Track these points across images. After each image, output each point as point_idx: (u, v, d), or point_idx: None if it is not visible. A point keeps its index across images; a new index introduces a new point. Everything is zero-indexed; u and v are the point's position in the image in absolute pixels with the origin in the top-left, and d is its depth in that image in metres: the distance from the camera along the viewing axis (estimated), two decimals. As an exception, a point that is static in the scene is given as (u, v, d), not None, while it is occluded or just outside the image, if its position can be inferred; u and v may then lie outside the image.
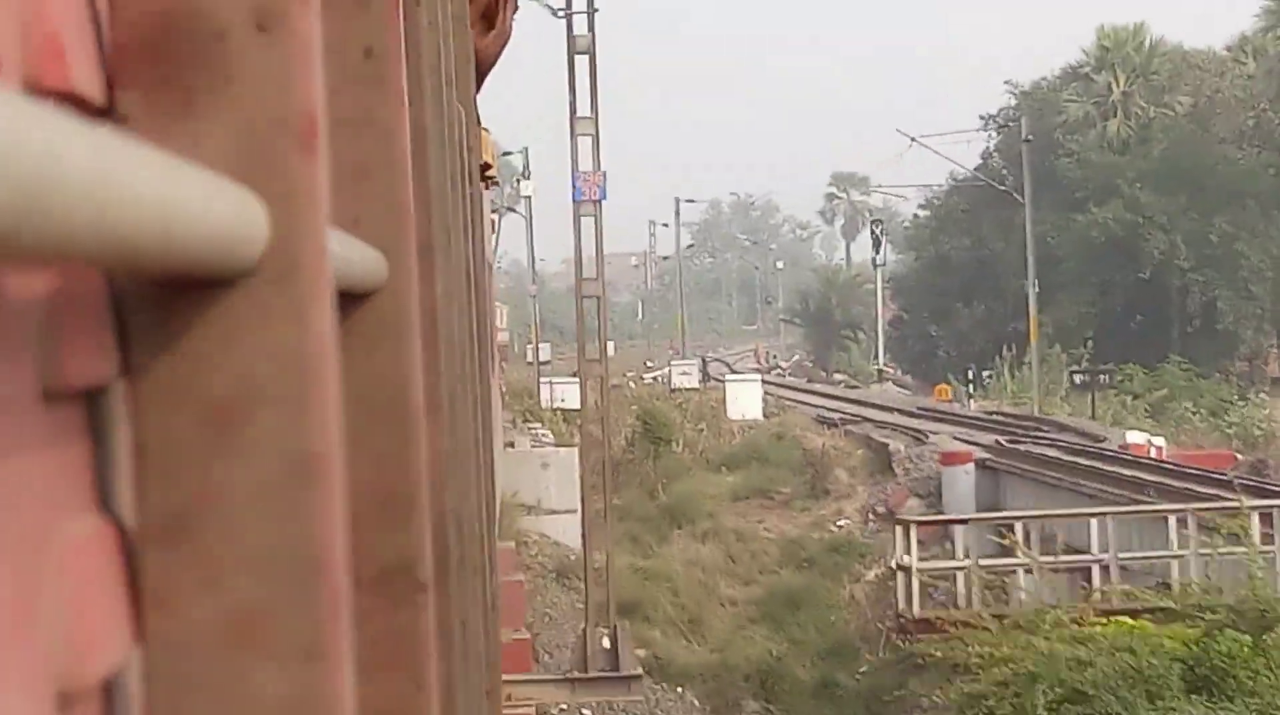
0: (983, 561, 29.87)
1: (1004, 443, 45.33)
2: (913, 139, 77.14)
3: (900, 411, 58.41)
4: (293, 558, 1.27)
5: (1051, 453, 42.08)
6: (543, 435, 45.22)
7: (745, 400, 56.01)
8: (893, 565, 31.52)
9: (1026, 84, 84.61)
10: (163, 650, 1.25)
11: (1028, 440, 46.79)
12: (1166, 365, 64.59)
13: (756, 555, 41.59)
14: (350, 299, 2.26)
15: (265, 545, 1.27)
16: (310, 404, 1.29)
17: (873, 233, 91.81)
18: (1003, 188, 69.23)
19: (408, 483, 2.37)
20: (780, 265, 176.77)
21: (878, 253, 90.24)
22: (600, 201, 30.21)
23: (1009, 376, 68.12)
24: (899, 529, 31.78)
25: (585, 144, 29.41)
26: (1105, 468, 38.05)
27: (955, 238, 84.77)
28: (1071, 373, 64.99)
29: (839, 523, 42.60)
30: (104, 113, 1.25)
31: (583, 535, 30.21)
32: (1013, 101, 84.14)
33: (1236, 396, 60.48)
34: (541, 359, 79.46)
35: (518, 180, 71.57)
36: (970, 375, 67.94)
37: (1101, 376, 62.67)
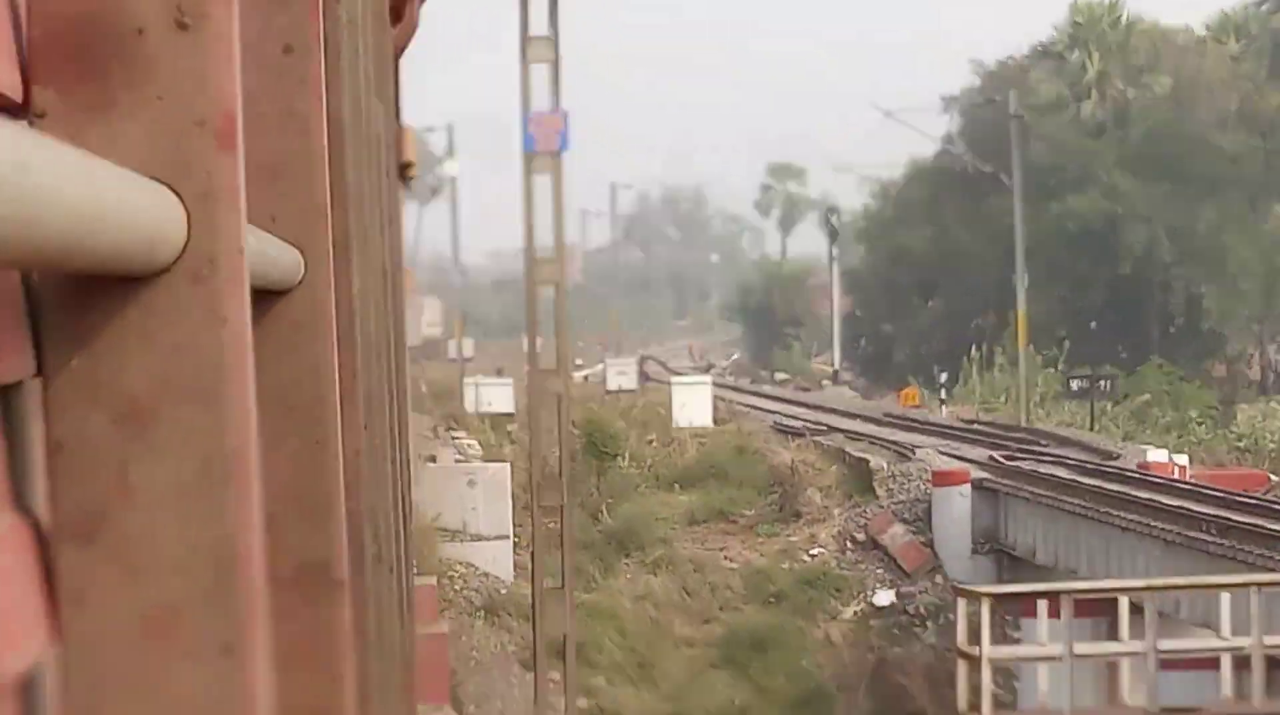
0: (1081, 648, 21.89)
1: (1000, 459, 39.60)
2: (887, 113, 71.77)
3: (865, 418, 52.92)
4: (209, 555, 1.27)
5: (1061, 472, 35.99)
6: (468, 446, 40.43)
7: (693, 405, 49.84)
8: (958, 649, 22.84)
9: (992, 62, 77.23)
10: (79, 648, 1.24)
11: (1026, 456, 40.87)
12: (1146, 367, 59.08)
13: (716, 588, 36.81)
14: (267, 296, 2.25)
15: (182, 543, 1.26)
16: (226, 402, 1.29)
17: (827, 221, 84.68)
18: (988, 169, 63.48)
19: (324, 480, 2.36)
20: (715, 258, 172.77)
21: (833, 243, 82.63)
22: (560, 152, 23.13)
23: (978, 379, 62.54)
24: (963, 602, 23.12)
25: (540, 74, 22.05)
26: (1133, 493, 30.97)
27: (914, 227, 77.09)
28: (1069, 378, 58.69)
29: (812, 551, 37.58)
30: (21, 110, 1.25)
31: (533, 567, 26.21)
32: (977, 82, 76.89)
33: (1220, 402, 56.18)
34: (465, 355, 72.49)
35: (441, 161, 64.89)
36: (941, 377, 61.82)
37: (1102, 383, 56.83)
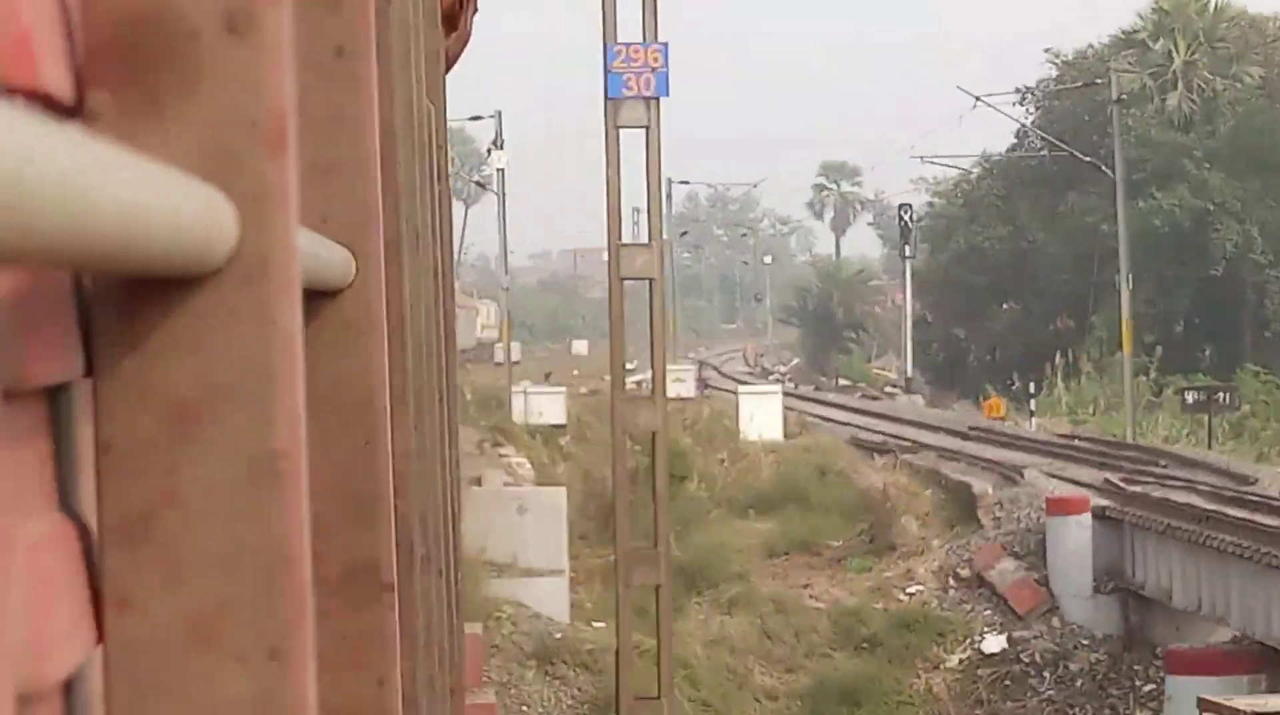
0: None
1: (1118, 483, 34.12)
2: (977, 98, 63.35)
3: (948, 431, 47.38)
4: (256, 557, 1.27)
5: (1197, 501, 30.76)
6: (517, 464, 35.25)
7: (762, 417, 43.64)
8: None
9: (1070, 52, 71.31)
10: (124, 650, 1.24)
11: (1146, 479, 34.98)
12: (1241, 375, 53.37)
13: (801, 632, 31.21)
14: (318, 297, 2.25)
15: (228, 545, 1.26)
16: (275, 404, 1.29)
17: (900, 220, 76.30)
18: (1087, 159, 56.02)
19: (372, 482, 2.36)
20: (768, 260, 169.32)
21: (905, 242, 74.63)
22: (658, 99, 18.20)
23: (1063, 388, 56.80)
24: None
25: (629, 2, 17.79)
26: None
27: (988, 226, 71.12)
28: (1183, 391, 51.36)
29: (909, 589, 32.26)
30: (74, 112, 1.25)
31: (618, 614, 21.77)
32: (1053, 72, 71.01)
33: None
34: (513, 359, 66.68)
35: (487, 151, 58.45)
36: (1027, 387, 55.23)
37: (1221, 396, 48.50)
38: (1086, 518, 30.96)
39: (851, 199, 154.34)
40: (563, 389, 46.87)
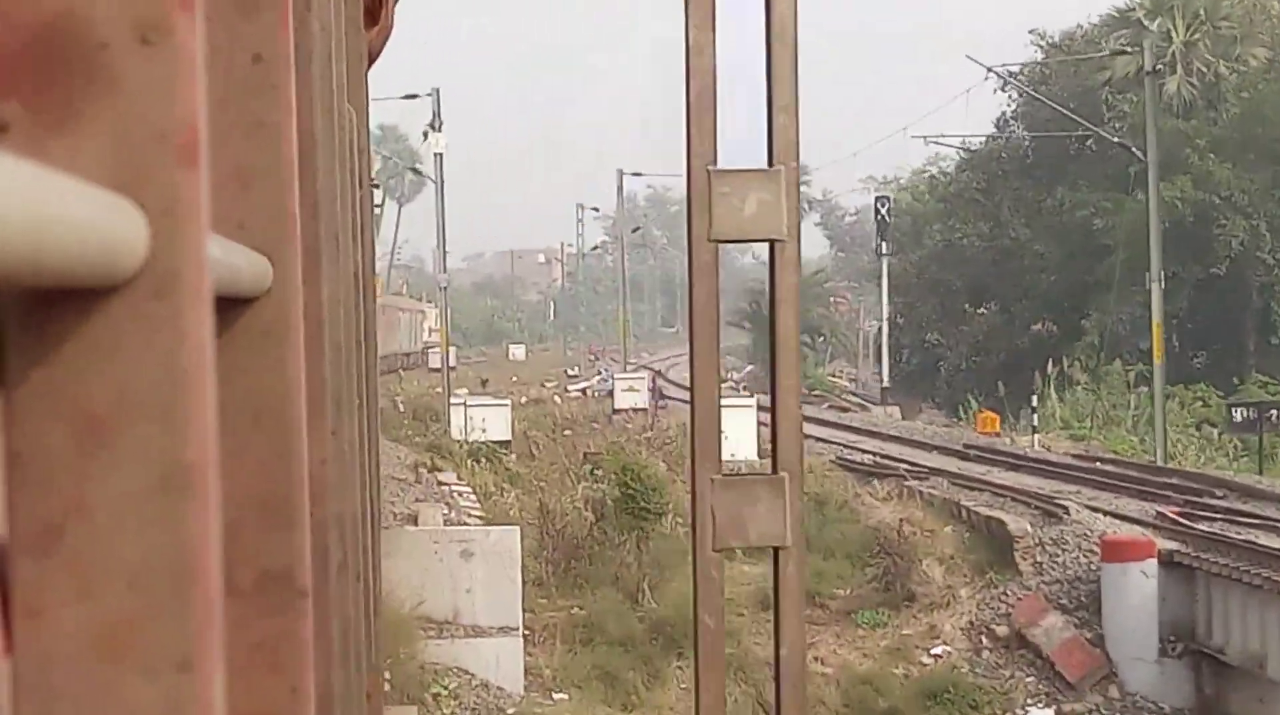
0: None
1: (1177, 519, 28.86)
2: (989, 69, 58.29)
3: (943, 450, 42.16)
4: (166, 568, 1.27)
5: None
6: (459, 493, 29.66)
7: (735, 434, 35.51)
8: None
9: (1055, 33, 64.47)
10: (33, 661, 1.24)
11: (1211, 515, 29.63)
12: (1247, 386, 48.30)
13: (806, 704, 23.60)
14: (234, 304, 2.25)
15: (138, 556, 1.26)
16: (186, 415, 1.28)
17: (877, 213, 67.94)
18: (1117, 140, 48.91)
19: (288, 489, 2.36)
20: (746, 260, 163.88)
21: (882, 239, 65.98)
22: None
23: (1056, 400, 49.86)
24: None
25: None
26: None
27: (966, 222, 64.31)
28: (1230, 407, 45.46)
29: (934, 650, 26.87)
30: (-16, 122, 1.24)
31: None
32: (1039, 55, 64.79)
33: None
34: (436, 365, 60.40)
35: (424, 134, 51.57)
36: (1029, 397, 48.12)
37: (1275, 413, 42.10)
38: (1152, 565, 25.53)
39: (802, 199, 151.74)
40: (507, 401, 42.14)
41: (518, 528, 23.97)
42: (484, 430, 37.70)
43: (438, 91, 49.75)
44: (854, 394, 74.50)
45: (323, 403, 3.16)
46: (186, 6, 1.28)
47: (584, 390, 66.88)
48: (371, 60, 10.54)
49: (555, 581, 24.83)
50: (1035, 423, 45.75)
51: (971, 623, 26.89)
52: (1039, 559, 27.48)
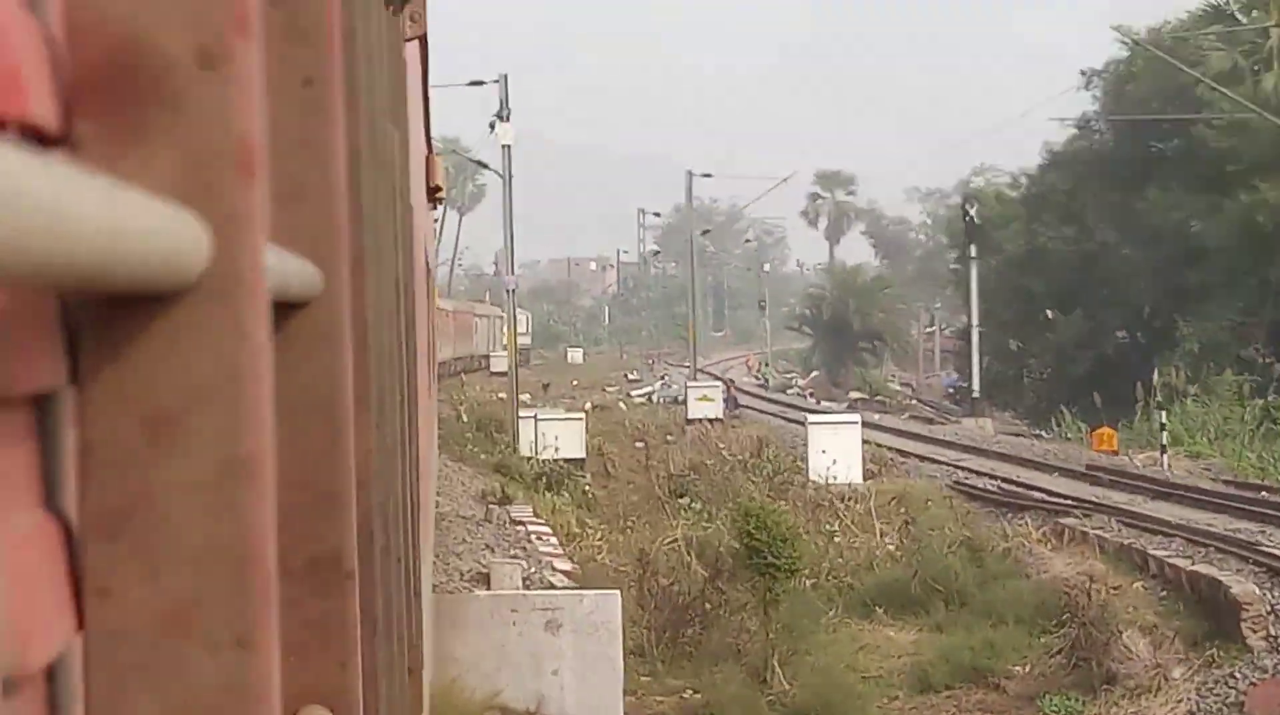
0: None
1: None
2: (1085, 74, 52.89)
3: (1064, 471, 34.17)
4: (226, 551, 1.27)
5: None
6: (537, 536, 21.26)
7: (838, 453, 30.57)
8: None
9: (1141, 29, 55.83)
10: (103, 639, 1.24)
11: None
12: None
13: None
14: (287, 308, 2.25)
15: (200, 539, 1.27)
16: (245, 409, 1.29)
17: (965, 216, 58.86)
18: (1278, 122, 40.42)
19: (336, 478, 2.36)
20: (767, 268, 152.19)
21: (971, 241, 57.28)
22: None
23: (1161, 415, 40.12)
24: None
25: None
26: None
27: (1049, 226, 56.56)
28: None
29: None
30: (60, 141, 1.25)
31: None
32: (1124, 53, 56.37)
33: None
34: (502, 369, 54.16)
35: (491, 125, 43.78)
36: (1146, 410, 40.42)
37: None
38: None
39: (846, 208, 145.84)
40: (581, 416, 36.03)
41: (618, 593, 16.13)
42: (556, 448, 31.91)
43: (505, 78, 41.87)
44: (919, 400, 67.13)
45: (368, 399, 3.17)
46: (244, 34, 1.29)
47: (649, 396, 61.15)
48: (424, 74, 10.38)
49: (660, 653, 18.22)
50: (1164, 440, 37.09)
51: (1192, 713, 18.74)
52: (1273, 631, 19.67)
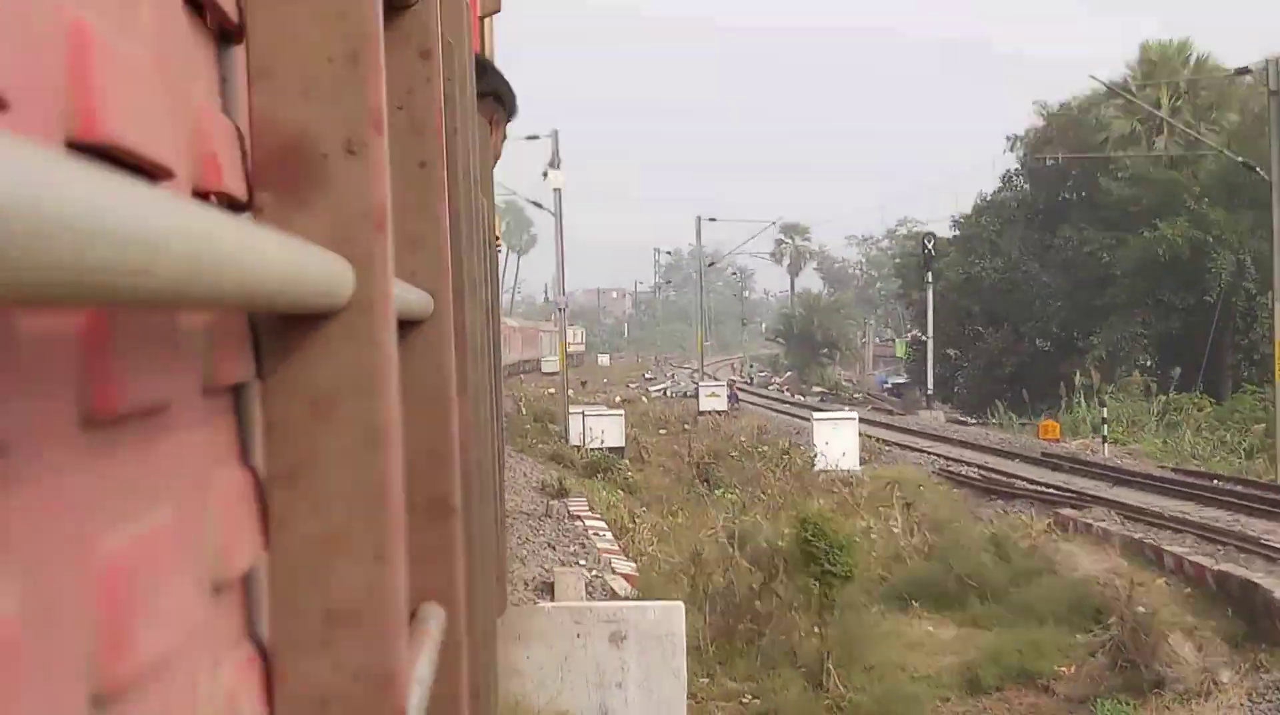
0: None
1: None
2: (1010, 139, 49.60)
3: (1024, 458, 28.34)
4: (368, 493, 1.27)
5: None
6: (594, 532, 15.05)
7: (839, 444, 27.33)
8: None
9: (1054, 104, 52.36)
10: (282, 555, 1.25)
11: None
12: (1243, 395, 36.24)
13: None
14: (409, 324, 2.26)
15: (350, 486, 1.27)
16: (379, 394, 1.29)
17: (924, 248, 54.19)
18: (1245, 161, 33.49)
19: (445, 442, 2.37)
20: (748, 294, 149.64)
21: (927, 268, 52.89)
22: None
23: (1084, 408, 37.04)
24: None
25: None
26: None
27: (983, 259, 52.17)
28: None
29: None
30: (247, 206, 1.25)
31: None
32: (1040, 123, 52.45)
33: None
34: (552, 370, 52.38)
35: (544, 174, 39.81)
36: (1103, 410, 34.08)
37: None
38: None
39: (803, 250, 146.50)
40: (621, 412, 31.33)
41: (681, 605, 11.47)
42: (602, 440, 28.17)
43: (556, 133, 39.14)
44: (866, 394, 63.06)
45: (466, 388, 3.17)
46: (378, 130, 1.29)
47: (663, 391, 58.27)
48: (496, 158, 10.40)
49: (716, 653, 14.11)
50: (1105, 432, 31.62)
51: (1242, 715, 12.90)
52: (1315, 635, 13.88)
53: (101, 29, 0.87)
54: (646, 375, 77.20)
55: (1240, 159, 33.56)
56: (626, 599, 9.45)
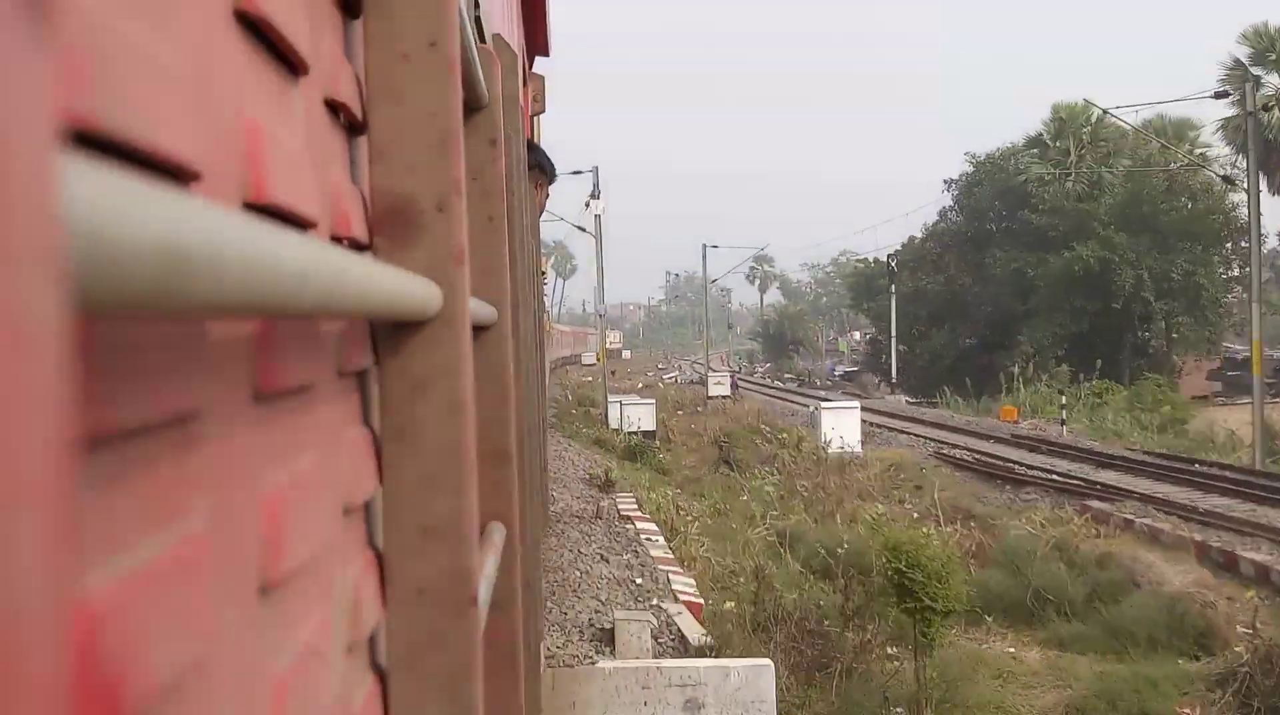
0: None
1: None
2: (946, 182, 46.29)
3: (996, 439, 22.63)
4: (451, 447, 1.27)
5: None
6: (647, 539, 8.37)
7: (844, 430, 22.65)
8: None
9: (982, 154, 48.18)
10: (391, 490, 1.25)
11: None
12: (1146, 382, 31.22)
13: None
14: (480, 330, 2.26)
15: (439, 442, 1.27)
16: (460, 378, 1.29)
17: (889, 267, 48.35)
18: (1225, 175, 29.34)
19: (506, 409, 2.36)
20: (737, 306, 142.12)
21: (894, 281, 46.96)
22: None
23: (1023, 389, 32.58)
24: None
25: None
26: None
27: (927, 276, 46.98)
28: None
29: None
30: (368, 248, 1.25)
31: None
32: (969, 168, 47.61)
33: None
34: (590, 362, 48.54)
35: (586, 204, 35.86)
36: (1062, 397, 28.24)
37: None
38: None
39: (769, 274, 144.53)
40: (652, 401, 26.45)
41: (770, 664, 5.10)
42: (639, 427, 23.96)
43: (597, 169, 35.06)
44: (822, 380, 56.94)
45: (520, 374, 3.16)
46: (458, 193, 1.29)
47: (675, 378, 52.87)
48: (540, 211, 10.25)
49: (796, 693, 7.58)
50: (1064, 416, 25.73)
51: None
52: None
53: (268, 124, 0.88)
54: (660, 366, 71.88)
55: (1222, 175, 29.88)
56: (701, 650, 5.92)
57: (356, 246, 1.22)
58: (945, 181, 49.65)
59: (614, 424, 24.75)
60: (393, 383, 1.26)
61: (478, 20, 2.81)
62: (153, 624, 0.57)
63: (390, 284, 1.03)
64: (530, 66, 9.68)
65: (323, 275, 0.73)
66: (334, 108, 1.19)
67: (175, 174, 0.64)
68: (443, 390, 1.27)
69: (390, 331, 1.26)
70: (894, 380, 45.74)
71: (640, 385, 41.65)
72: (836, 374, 60.09)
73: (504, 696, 2.12)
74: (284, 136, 0.94)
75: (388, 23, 1.22)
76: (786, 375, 64.79)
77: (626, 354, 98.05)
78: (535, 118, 9.16)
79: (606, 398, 27.45)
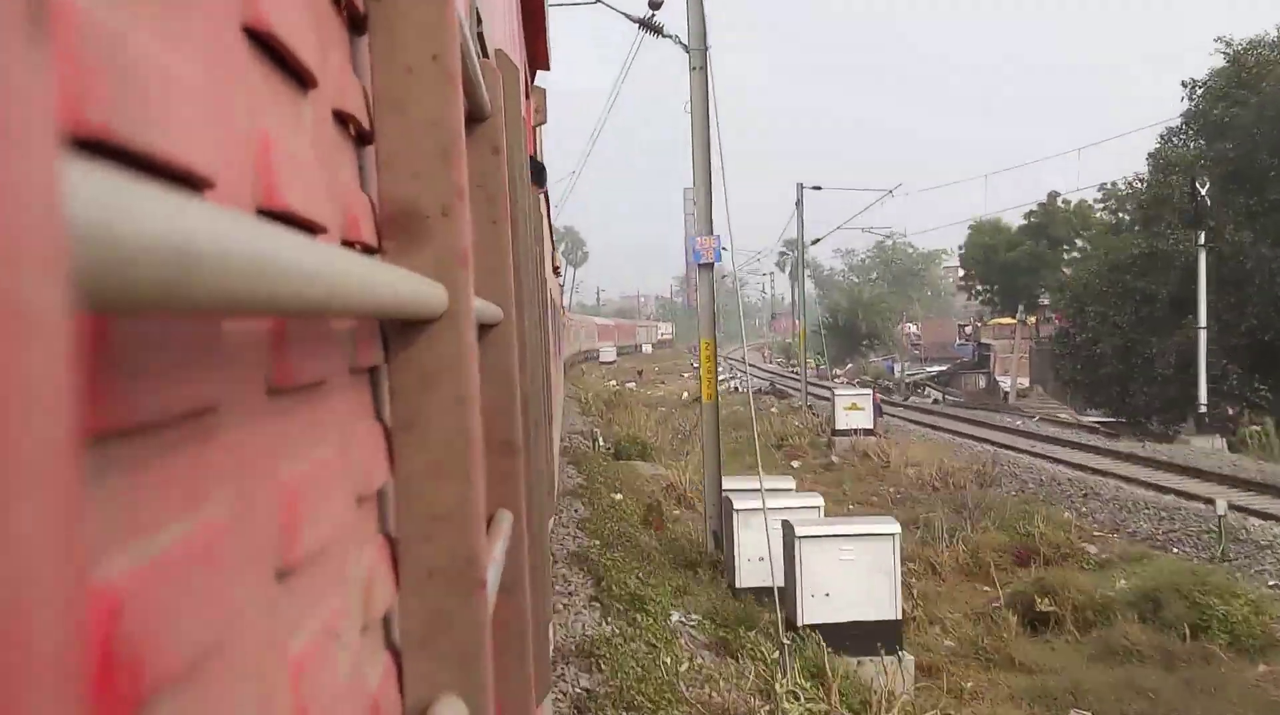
0: None
1: None
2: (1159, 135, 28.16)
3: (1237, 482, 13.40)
4: (458, 438, 1.27)
5: None
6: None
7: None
8: None
9: (1241, 41, 26.97)
10: (402, 479, 1.25)
11: None
12: None
13: None
14: (487, 327, 2.25)
15: (445, 433, 1.27)
16: (467, 373, 1.29)
17: (1192, 189, 25.23)
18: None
19: (512, 404, 2.36)
20: (769, 297, 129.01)
21: (1198, 220, 24.45)
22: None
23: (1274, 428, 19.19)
24: None
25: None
26: None
27: (1174, 230, 26.61)
28: None
29: None
30: (377, 251, 1.26)
31: None
32: (1223, 62, 27.27)
33: None
34: (609, 359, 44.55)
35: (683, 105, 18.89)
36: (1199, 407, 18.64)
37: None
38: None
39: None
40: (820, 502, 10.32)
41: None
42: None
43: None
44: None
45: (526, 370, 3.16)
46: (461, 198, 1.29)
47: (734, 387, 44.02)
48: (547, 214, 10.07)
49: None
50: None
51: None
52: None
53: (279, 134, 0.88)
54: (694, 363, 51.85)
55: None
56: None
57: (367, 250, 1.22)
58: (1184, 84, 28.80)
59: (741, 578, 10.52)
60: (402, 377, 1.26)
61: (480, 36, 2.81)
62: (176, 606, 0.57)
63: (398, 285, 1.03)
64: (532, 80, 9.67)
65: (331, 276, 0.73)
66: (343, 119, 1.19)
67: (190, 182, 0.64)
68: (449, 384, 1.27)
69: (399, 329, 1.26)
70: (1202, 410, 23.75)
71: (684, 394, 29.38)
72: (897, 374, 44.03)
73: (514, 674, 2.12)
74: (295, 146, 0.94)
75: (392, 38, 1.22)
76: (864, 377, 47.31)
77: (646, 348, 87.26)
78: (537, 128, 9.14)
79: (764, 507, 10.21)
